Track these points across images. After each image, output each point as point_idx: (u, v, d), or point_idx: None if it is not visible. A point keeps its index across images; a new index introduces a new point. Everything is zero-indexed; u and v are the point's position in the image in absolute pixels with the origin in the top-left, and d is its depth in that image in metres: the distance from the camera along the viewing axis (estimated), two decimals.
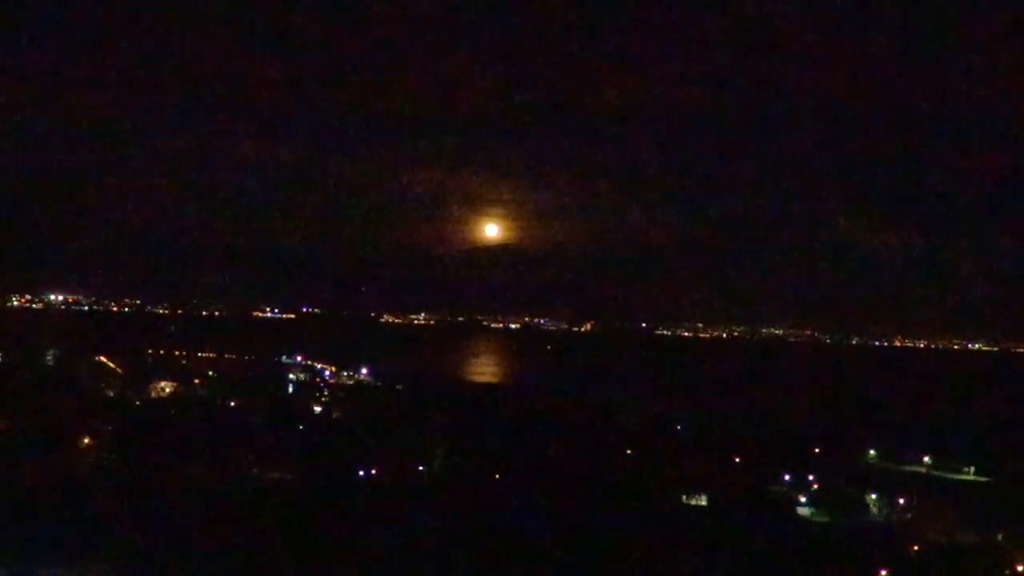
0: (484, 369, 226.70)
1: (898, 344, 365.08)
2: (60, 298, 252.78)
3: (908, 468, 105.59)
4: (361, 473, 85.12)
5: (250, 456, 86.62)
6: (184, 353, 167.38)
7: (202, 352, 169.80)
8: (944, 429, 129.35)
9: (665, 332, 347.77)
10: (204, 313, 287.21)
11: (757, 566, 64.24)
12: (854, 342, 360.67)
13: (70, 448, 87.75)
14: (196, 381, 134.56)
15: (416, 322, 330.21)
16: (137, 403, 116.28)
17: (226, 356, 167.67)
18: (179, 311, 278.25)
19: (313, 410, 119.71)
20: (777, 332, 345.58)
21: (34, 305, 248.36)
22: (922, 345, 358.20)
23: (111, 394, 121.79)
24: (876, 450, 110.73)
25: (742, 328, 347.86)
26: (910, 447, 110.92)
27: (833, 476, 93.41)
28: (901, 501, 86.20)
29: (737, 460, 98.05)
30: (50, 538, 58.93)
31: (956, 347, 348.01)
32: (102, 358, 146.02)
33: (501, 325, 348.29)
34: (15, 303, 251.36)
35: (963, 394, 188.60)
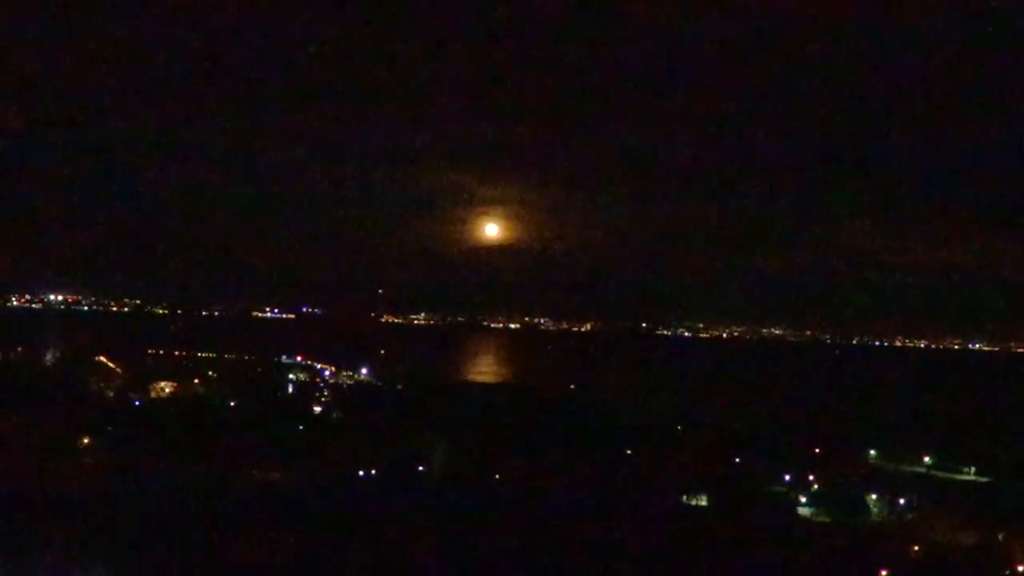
0: (484, 369, 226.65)
1: (898, 344, 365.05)
2: (60, 298, 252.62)
3: (908, 468, 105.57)
4: (361, 473, 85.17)
5: (250, 456, 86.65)
6: (184, 353, 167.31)
7: (202, 352, 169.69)
8: (944, 429, 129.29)
9: (665, 332, 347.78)
10: (204, 313, 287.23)
11: (757, 566, 64.25)
12: (854, 342, 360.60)
13: (70, 448, 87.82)
14: (196, 381, 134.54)
15: (416, 322, 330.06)
16: (137, 403, 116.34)
17: (226, 356, 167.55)
18: (179, 311, 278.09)
19: (313, 410, 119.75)
20: (777, 332, 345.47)
21: (34, 305, 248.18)
22: (922, 345, 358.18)
23: (111, 394, 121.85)
24: (876, 450, 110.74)
25: (742, 328, 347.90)
26: (910, 447, 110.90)
27: (833, 476, 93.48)
28: (901, 501, 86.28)
29: (737, 460, 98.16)
30: (50, 539, 58.90)
31: (956, 347, 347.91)
32: (102, 358, 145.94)
33: (501, 325, 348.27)
34: (15, 303, 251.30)
35: (963, 394, 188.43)
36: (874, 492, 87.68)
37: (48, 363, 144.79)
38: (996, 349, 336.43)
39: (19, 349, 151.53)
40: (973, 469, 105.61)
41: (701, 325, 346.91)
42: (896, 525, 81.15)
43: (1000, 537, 73.33)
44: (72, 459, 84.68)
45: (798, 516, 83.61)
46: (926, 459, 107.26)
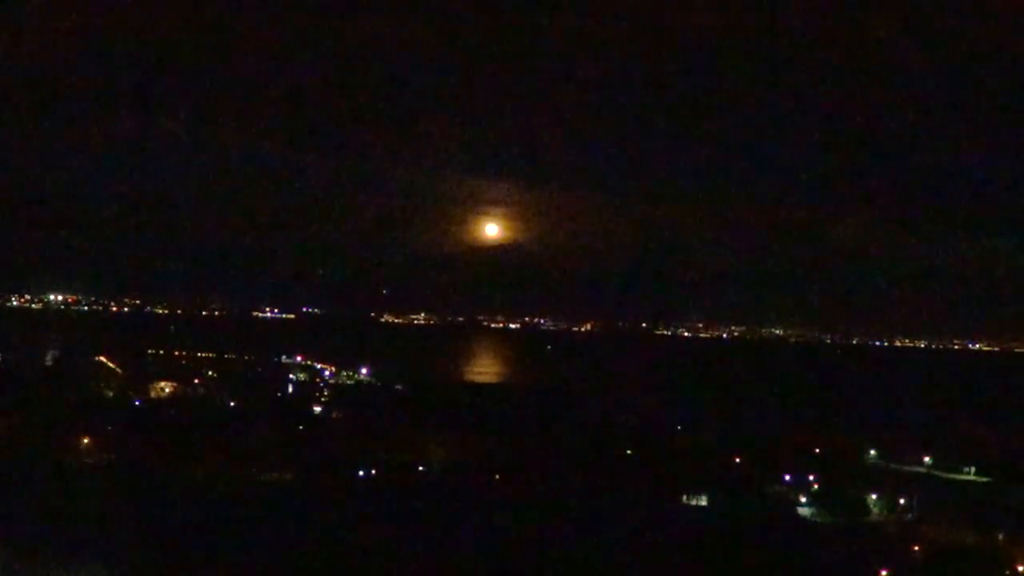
0: (484, 369, 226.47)
1: (898, 344, 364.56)
2: (60, 298, 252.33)
3: (908, 468, 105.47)
4: (361, 473, 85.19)
5: (250, 456, 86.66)
6: (184, 353, 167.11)
7: (202, 352, 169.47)
8: (944, 429, 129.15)
9: (665, 332, 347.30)
10: (204, 313, 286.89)
11: (757, 566, 64.26)
12: (854, 342, 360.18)
13: (70, 448, 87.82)
14: (196, 381, 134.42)
15: (416, 322, 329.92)
16: (137, 403, 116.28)
17: (226, 356, 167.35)
18: (179, 311, 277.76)
19: (313, 410, 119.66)
20: (777, 332, 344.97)
21: (34, 305, 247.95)
22: (922, 345, 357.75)
23: (111, 394, 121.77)
24: (876, 450, 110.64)
25: (742, 328, 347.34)
26: (910, 447, 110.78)
27: (833, 476, 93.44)
28: (901, 501, 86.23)
29: (737, 460, 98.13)
30: (50, 538, 58.92)
31: (956, 347, 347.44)
32: (102, 358, 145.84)
33: (501, 325, 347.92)
34: (15, 303, 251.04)
35: (963, 394, 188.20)
36: (874, 492, 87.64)
37: (48, 363, 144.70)
38: (996, 349, 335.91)
39: (19, 349, 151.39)
40: (973, 469, 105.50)
41: (701, 325, 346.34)
42: (896, 525, 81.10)
43: (1000, 537, 73.31)
44: (72, 459, 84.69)
45: (798, 516, 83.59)
46: (926, 459, 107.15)
